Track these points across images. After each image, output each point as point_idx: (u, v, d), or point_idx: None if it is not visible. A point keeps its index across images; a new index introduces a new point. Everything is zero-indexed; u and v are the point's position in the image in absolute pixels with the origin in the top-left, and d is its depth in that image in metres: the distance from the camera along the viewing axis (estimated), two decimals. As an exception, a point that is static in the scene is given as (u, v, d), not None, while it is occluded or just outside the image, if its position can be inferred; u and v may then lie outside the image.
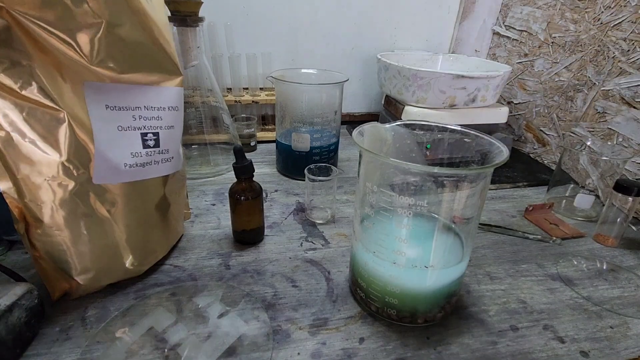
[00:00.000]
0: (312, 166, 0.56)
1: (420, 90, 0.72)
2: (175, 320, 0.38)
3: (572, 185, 0.65)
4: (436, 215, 0.36)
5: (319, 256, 0.50)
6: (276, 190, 0.67)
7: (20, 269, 0.41)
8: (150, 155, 0.40)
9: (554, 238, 0.55)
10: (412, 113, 0.75)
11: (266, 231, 0.54)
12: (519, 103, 0.88)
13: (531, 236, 0.56)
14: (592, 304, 0.44)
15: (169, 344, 0.35)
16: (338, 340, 0.37)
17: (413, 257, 0.36)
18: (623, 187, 0.51)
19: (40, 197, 0.34)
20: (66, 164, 0.34)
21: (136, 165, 0.38)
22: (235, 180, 0.48)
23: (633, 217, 0.57)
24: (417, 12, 0.95)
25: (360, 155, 0.37)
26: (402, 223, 0.34)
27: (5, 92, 0.31)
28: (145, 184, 0.40)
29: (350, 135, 0.49)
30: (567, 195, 0.65)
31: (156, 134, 0.40)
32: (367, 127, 0.38)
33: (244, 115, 0.85)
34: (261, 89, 0.92)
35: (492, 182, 0.71)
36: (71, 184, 0.35)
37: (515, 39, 0.88)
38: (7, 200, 0.34)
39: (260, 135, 0.88)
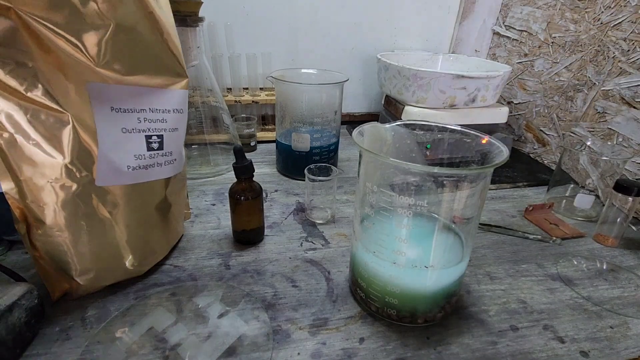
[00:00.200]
0: (312, 166, 0.56)
1: (420, 90, 0.72)
2: (175, 320, 0.38)
3: (572, 185, 0.65)
4: (436, 215, 0.36)
5: (319, 256, 0.50)
6: (276, 190, 0.67)
7: (20, 269, 0.41)
8: (154, 158, 0.40)
9: (554, 238, 0.55)
10: (412, 113, 0.75)
11: (266, 231, 0.54)
12: (519, 103, 0.88)
13: (531, 236, 0.56)
14: (592, 304, 0.44)
15: (169, 344, 0.35)
16: (338, 340, 0.37)
17: (413, 257, 0.36)
18: (623, 187, 0.51)
19: (43, 198, 0.34)
20: (69, 166, 0.34)
21: (139, 167, 0.38)
22: (235, 180, 0.48)
23: (633, 217, 0.57)
24: (417, 12, 0.95)
25: (360, 155, 0.37)
26: (402, 223, 0.34)
27: (9, 93, 0.31)
28: (147, 185, 0.40)
29: (350, 135, 0.49)
30: (567, 195, 0.65)
31: (160, 137, 0.40)
32: (367, 127, 0.38)
33: (244, 115, 0.85)
34: (261, 89, 0.92)
35: (492, 182, 0.71)
36: (74, 186, 0.35)
37: (515, 39, 0.88)
38: (9, 201, 0.34)
39: (260, 135, 0.88)
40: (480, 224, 0.57)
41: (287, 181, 0.70)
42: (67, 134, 0.34)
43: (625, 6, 0.63)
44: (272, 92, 0.89)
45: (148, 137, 0.39)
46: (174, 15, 0.57)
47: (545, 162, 0.82)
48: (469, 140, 0.39)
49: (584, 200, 0.61)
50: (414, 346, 0.37)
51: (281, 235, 0.54)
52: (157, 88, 0.38)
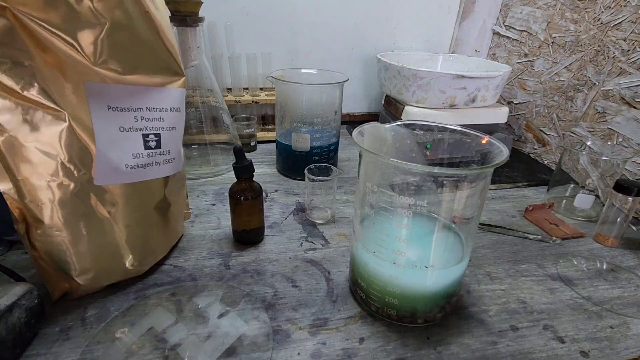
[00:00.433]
0: (312, 166, 0.56)
1: (420, 90, 0.72)
2: (175, 320, 0.38)
3: (572, 185, 0.65)
4: (436, 215, 0.36)
5: (319, 256, 0.50)
6: (276, 190, 0.67)
7: (20, 269, 0.41)
8: (152, 157, 0.40)
9: (554, 238, 0.55)
10: (412, 113, 0.75)
11: (266, 231, 0.54)
12: (519, 103, 0.88)
13: (531, 236, 0.56)
14: (592, 304, 0.44)
15: (169, 344, 0.35)
16: (338, 340, 0.37)
17: (413, 257, 0.36)
18: (623, 187, 0.51)
19: (41, 198, 0.34)
20: (67, 164, 0.34)
21: (137, 166, 0.38)
22: (235, 180, 0.48)
23: (633, 217, 0.57)
24: (417, 12, 0.95)
25: (360, 155, 0.37)
26: (402, 223, 0.34)
27: (6, 92, 0.31)
28: (146, 184, 0.40)
29: (350, 135, 0.49)
30: (567, 195, 0.65)
31: (158, 135, 0.40)
32: (367, 127, 0.38)
33: (244, 115, 0.85)
34: (261, 89, 0.92)
35: (492, 182, 0.71)
36: (72, 185, 0.35)
37: (515, 39, 0.88)
38: (8, 201, 0.34)
39: (260, 135, 0.88)
40: (480, 224, 0.57)
41: (287, 181, 0.70)
42: (64, 133, 0.34)
43: (625, 6, 0.63)
44: (272, 92, 0.89)
45: (145, 136, 0.39)
46: (174, 15, 0.57)
47: (545, 162, 0.82)
48: (469, 140, 0.39)
49: (584, 200, 0.61)
50: (414, 346, 0.37)
51: (281, 235, 0.54)
52: (154, 87, 0.38)
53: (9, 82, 0.31)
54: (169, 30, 0.39)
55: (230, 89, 0.87)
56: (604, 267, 0.50)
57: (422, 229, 0.36)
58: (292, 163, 0.70)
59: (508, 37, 0.90)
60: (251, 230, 0.50)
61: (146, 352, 0.35)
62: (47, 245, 0.36)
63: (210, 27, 0.82)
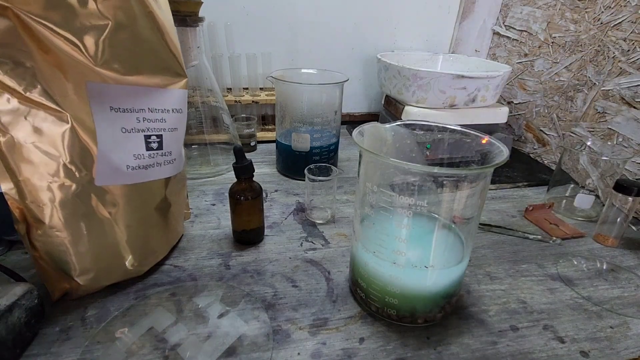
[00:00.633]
0: (312, 166, 0.56)
1: (420, 90, 0.72)
2: (175, 320, 0.38)
3: (572, 185, 0.65)
4: (436, 215, 0.36)
5: (319, 256, 0.50)
6: (276, 190, 0.67)
7: (20, 269, 0.41)
8: (153, 158, 0.40)
9: (554, 238, 0.55)
10: (412, 113, 0.75)
11: (266, 231, 0.54)
12: (519, 103, 0.88)
13: (531, 236, 0.56)
14: (592, 304, 0.44)
15: (169, 344, 0.35)
16: (338, 340, 0.37)
17: (413, 257, 0.36)
18: (623, 187, 0.51)
19: (42, 198, 0.34)
20: (68, 165, 0.34)
21: (139, 167, 0.38)
22: (235, 180, 0.48)
23: (633, 217, 0.57)
24: (417, 12, 0.95)
25: (360, 155, 0.37)
26: (402, 223, 0.34)
27: (8, 93, 0.31)
28: (147, 185, 0.40)
29: (350, 135, 0.49)
30: (567, 195, 0.65)
31: (159, 136, 0.40)
32: (367, 127, 0.38)
33: (244, 115, 0.85)
34: (261, 89, 0.92)
35: (492, 182, 0.71)
36: (73, 186, 0.35)
37: (515, 39, 0.88)
38: (8, 201, 0.34)
39: (260, 135, 0.88)
40: (480, 224, 0.57)
41: (287, 181, 0.70)
42: (66, 134, 0.34)
43: (625, 6, 0.63)
44: (272, 92, 0.89)
45: (147, 137, 0.39)
46: (174, 15, 0.57)
47: (545, 162, 0.82)
48: (469, 140, 0.39)
49: (584, 200, 0.61)
50: (414, 346, 0.37)
51: (281, 235, 0.54)
52: (156, 88, 0.38)
53: (11, 83, 0.31)
54: (173, 32, 0.39)
55: (230, 89, 0.87)
56: (604, 267, 0.50)
57: (422, 229, 0.36)
58: (292, 163, 0.70)
59: (508, 37, 0.90)
60: (251, 230, 0.50)
61: (146, 352, 0.35)
62: (48, 245, 0.36)
63: (210, 27, 0.82)
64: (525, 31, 0.85)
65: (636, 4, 0.61)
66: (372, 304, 0.40)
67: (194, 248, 0.50)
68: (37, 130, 0.33)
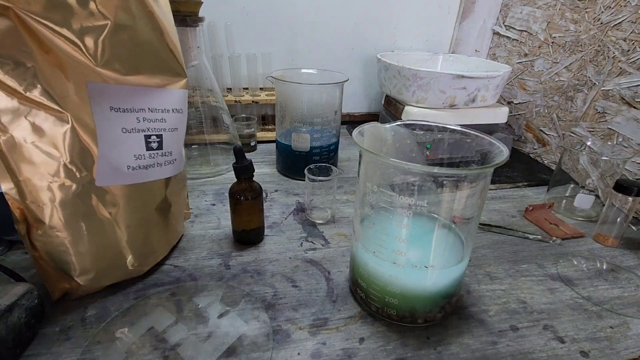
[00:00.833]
0: (312, 166, 0.56)
1: (420, 90, 0.72)
2: (175, 320, 0.38)
3: (572, 185, 0.65)
4: (436, 215, 0.36)
5: (319, 256, 0.50)
6: (276, 190, 0.67)
7: (20, 269, 0.41)
8: (154, 158, 0.40)
9: (554, 238, 0.55)
10: (412, 113, 0.75)
11: (266, 231, 0.54)
12: (519, 103, 0.88)
13: (531, 236, 0.56)
14: (592, 304, 0.44)
15: (169, 344, 0.35)
16: (338, 340, 0.37)
17: (413, 257, 0.36)
18: (623, 187, 0.51)
19: (42, 198, 0.34)
20: (69, 165, 0.34)
21: (139, 167, 0.38)
22: (235, 180, 0.48)
23: (633, 217, 0.57)
24: (417, 12, 0.95)
25: (360, 155, 0.37)
26: (402, 223, 0.34)
27: (9, 93, 0.31)
28: (147, 185, 0.40)
29: (350, 135, 0.49)
30: (567, 195, 0.65)
31: (160, 136, 0.40)
32: (367, 127, 0.38)
33: (244, 115, 0.85)
34: (261, 89, 0.92)
35: (492, 182, 0.71)
36: (73, 186, 0.35)
37: (515, 39, 0.88)
38: (9, 201, 0.34)
39: (260, 135, 0.88)
40: (480, 224, 0.57)
41: (287, 181, 0.70)
42: (66, 134, 0.34)
43: (625, 6, 0.63)
44: (272, 92, 0.89)
45: (147, 137, 0.39)
46: (174, 15, 0.57)
47: (545, 162, 0.82)
48: (469, 140, 0.39)
49: (584, 200, 0.61)
50: (414, 346, 0.37)
51: (281, 235, 0.54)
52: (156, 88, 0.38)
53: (11, 83, 0.31)
54: (173, 32, 0.39)
55: (230, 89, 0.87)
56: (604, 267, 0.50)
57: (422, 229, 0.36)
58: (292, 163, 0.70)
59: (508, 37, 0.90)
60: (251, 230, 0.50)
61: (146, 352, 0.35)
62: (48, 245, 0.36)
63: (210, 27, 0.82)
64: (525, 31, 0.85)
65: (636, 4, 0.61)
66: (372, 304, 0.40)
67: (194, 248, 0.50)
68: (37, 130, 0.33)
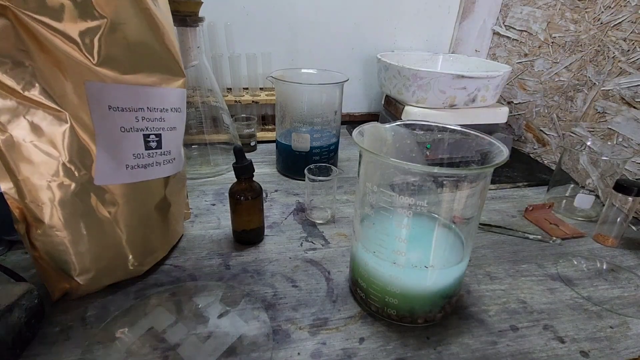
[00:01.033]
0: (312, 166, 0.56)
1: (420, 90, 0.72)
2: (175, 320, 0.38)
3: (572, 185, 0.65)
4: (436, 215, 0.36)
5: (319, 256, 0.50)
6: (276, 190, 0.67)
7: (20, 269, 0.41)
8: (152, 157, 0.40)
9: (554, 238, 0.55)
10: (412, 113, 0.75)
11: (266, 231, 0.54)
12: (519, 103, 0.88)
13: (531, 236, 0.56)
14: (592, 304, 0.44)
15: (169, 344, 0.35)
16: (338, 340, 0.37)
17: (413, 257, 0.36)
18: (623, 187, 0.51)
19: (41, 197, 0.34)
20: (68, 165, 0.34)
21: (138, 166, 0.38)
22: (235, 180, 0.48)
23: (633, 217, 0.57)
24: (417, 12, 0.95)
25: (360, 155, 0.37)
26: (402, 223, 0.34)
27: (7, 92, 0.31)
28: (146, 184, 0.40)
29: (350, 135, 0.49)
30: (567, 195, 0.65)
31: (158, 135, 0.40)
32: (367, 127, 0.38)
33: (244, 115, 0.85)
34: (261, 89, 0.92)
35: (492, 182, 0.71)
36: (72, 185, 0.35)
37: (515, 39, 0.88)
38: (8, 201, 0.34)
39: (260, 135, 0.88)
40: (480, 224, 0.57)
41: (287, 181, 0.70)
42: (65, 133, 0.34)
43: (625, 6, 0.63)
44: (272, 92, 0.89)
45: (146, 136, 0.39)
46: (173, 15, 0.57)
47: (545, 162, 0.82)
48: (469, 140, 0.39)
49: (584, 200, 0.61)
50: (414, 346, 0.37)
51: (281, 235, 0.54)
52: (154, 87, 0.38)
53: (10, 82, 0.31)
54: (171, 29, 0.39)
55: (230, 89, 0.87)
56: (604, 267, 0.50)
57: (422, 229, 0.36)
58: (292, 163, 0.70)
59: (508, 37, 0.90)
60: (251, 230, 0.50)
61: (146, 352, 0.35)
62: (48, 245, 0.36)
63: (210, 27, 0.82)
64: (525, 31, 0.85)
65: (636, 4, 0.61)
66: (372, 304, 0.40)
67: (194, 248, 0.50)
68: (36, 130, 0.33)
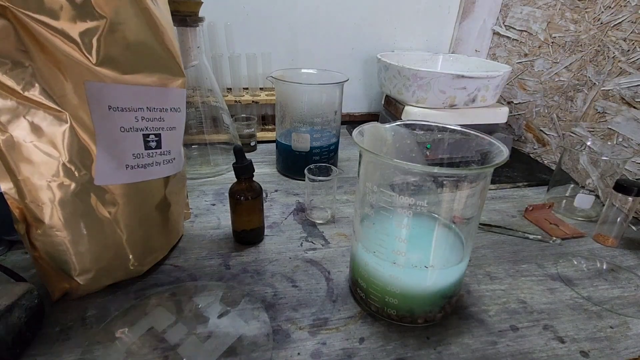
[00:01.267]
0: (312, 166, 0.56)
1: (420, 90, 0.72)
2: (175, 320, 0.38)
3: (572, 185, 0.65)
4: (436, 215, 0.36)
5: (319, 256, 0.50)
6: (276, 190, 0.67)
7: (20, 269, 0.41)
8: (152, 157, 0.40)
9: (554, 238, 0.55)
10: (412, 113, 0.75)
11: (266, 231, 0.54)
12: (519, 103, 0.88)
13: (531, 236, 0.56)
14: (592, 304, 0.44)
15: (169, 344, 0.35)
16: (338, 340, 0.37)
17: (413, 257, 0.36)
18: (623, 187, 0.51)
19: (41, 198, 0.34)
20: (68, 165, 0.34)
21: (138, 166, 0.38)
22: (235, 180, 0.48)
23: (633, 217, 0.57)
24: (417, 12, 0.95)
25: (360, 155, 0.37)
26: (402, 223, 0.34)
27: (7, 92, 0.31)
28: (146, 184, 0.40)
29: (350, 135, 0.49)
30: (567, 195, 0.65)
31: (158, 135, 0.40)
32: (367, 127, 0.38)
33: (244, 115, 0.85)
34: (261, 89, 0.92)
35: (492, 182, 0.71)
36: (72, 185, 0.35)
37: (515, 39, 0.88)
38: (8, 201, 0.34)
39: (260, 135, 0.88)
40: (480, 224, 0.57)
41: (287, 181, 0.70)
42: (65, 133, 0.34)
43: (625, 6, 0.63)
44: (272, 92, 0.89)
45: (146, 136, 0.38)
46: (173, 15, 0.57)
47: (545, 162, 0.82)
48: (469, 140, 0.39)
49: (584, 200, 0.61)
50: (414, 346, 0.37)
51: (281, 235, 0.54)
52: (154, 87, 0.38)
53: (9, 82, 0.31)
54: (170, 29, 0.39)
55: (230, 89, 0.87)
56: (604, 267, 0.50)
57: (422, 229, 0.36)
58: (292, 163, 0.70)
59: (508, 37, 0.90)
60: (251, 230, 0.50)
61: (146, 352, 0.35)
62: (47, 245, 0.36)
63: (210, 27, 0.82)
64: (525, 31, 0.85)
65: (636, 4, 0.61)
66: (372, 304, 0.40)
67: (194, 248, 0.50)
68: (36, 130, 0.33)
